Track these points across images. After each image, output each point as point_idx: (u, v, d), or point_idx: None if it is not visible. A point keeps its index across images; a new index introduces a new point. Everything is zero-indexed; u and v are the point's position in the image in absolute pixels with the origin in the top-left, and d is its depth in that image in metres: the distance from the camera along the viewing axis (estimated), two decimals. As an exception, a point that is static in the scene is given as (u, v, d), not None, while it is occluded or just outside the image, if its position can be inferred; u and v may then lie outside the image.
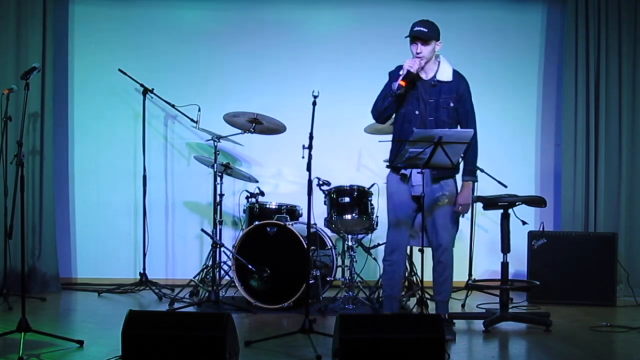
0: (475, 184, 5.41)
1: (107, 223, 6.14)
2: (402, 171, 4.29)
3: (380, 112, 4.29)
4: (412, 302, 5.07)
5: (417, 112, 4.24)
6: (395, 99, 4.21)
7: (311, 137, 4.08)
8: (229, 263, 5.37)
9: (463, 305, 5.28)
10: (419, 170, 4.12)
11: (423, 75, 4.26)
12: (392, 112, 4.30)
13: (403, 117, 4.28)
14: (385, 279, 4.43)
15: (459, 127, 4.27)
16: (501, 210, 4.58)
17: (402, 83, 4.10)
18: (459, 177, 4.37)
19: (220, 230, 5.35)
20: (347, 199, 5.08)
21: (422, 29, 4.20)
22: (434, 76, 4.26)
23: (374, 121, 4.49)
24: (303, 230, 4.83)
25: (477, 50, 6.11)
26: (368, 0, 6.11)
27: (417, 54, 4.19)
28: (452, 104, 4.25)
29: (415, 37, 4.19)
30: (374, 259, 5.47)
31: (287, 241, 4.97)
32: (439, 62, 4.29)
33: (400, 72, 4.15)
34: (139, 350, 3.34)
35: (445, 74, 4.27)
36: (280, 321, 4.72)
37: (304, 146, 4.09)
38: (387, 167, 4.42)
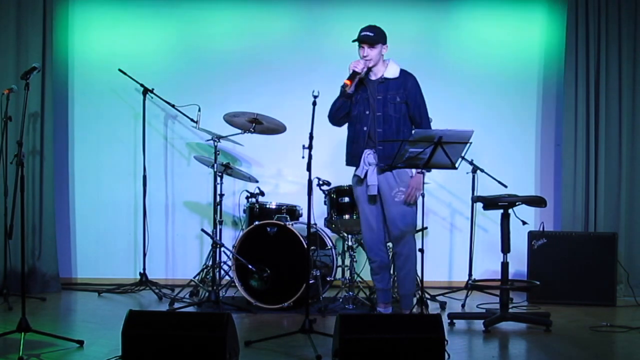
0: (476, 182, 5.48)
1: (107, 223, 6.14)
2: (356, 173, 4.57)
3: (332, 113, 4.58)
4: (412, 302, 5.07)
5: (367, 112, 4.51)
6: (345, 99, 4.50)
7: (311, 137, 4.08)
8: (229, 263, 5.37)
9: (463, 305, 5.28)
10: (373, 168, 4.44)
11: (372, 77, 4.53)
12: (343, 112, 4.57)
13: (356, 119, 4.55)
14: (374, 277, 4.70)
15: (408, 121, 4.52)
16: (501, 210, 4.58)
17: (347, 82, 4.40)
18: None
19: (220, 230, 5.35)
20: (347, 199, 5.08)
21: (368, 33, 4.48)
22: (382, 75, 4.51)
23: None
24: (303, 230, 4.83)
25: (477, 50, 6.11)
26: (368, 1, 6.11)
27: (364, 56, 4.47)
28: (398, 99, 4.49)
29: (362, 41, 4.48)
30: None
31: (287, 241, 4.97)
32: (387, 64, 4.54)
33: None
34: (139, 350, 3.35)
35: (392, 72, 4.53)
36: (280, 321, 4.72)
37: (304, 146, 4.09)
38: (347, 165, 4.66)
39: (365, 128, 4.49)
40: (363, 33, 4.48)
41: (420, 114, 4.54)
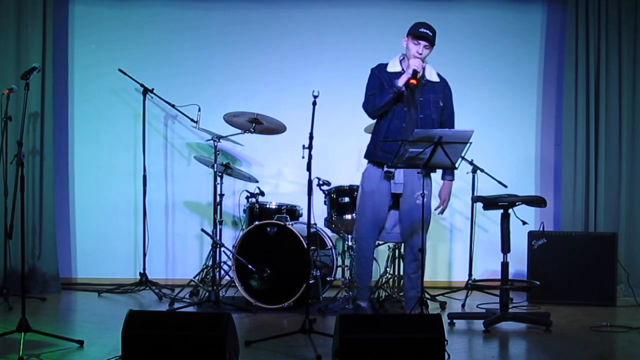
0: (476, 182, 5.49)
1: (107, 223, 6.14)
2: (387, 168, 4.48)
3: (379, 107, 4.46)
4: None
5: (405, 109, 4.45)
6: (396, 97, 4.38)
7: (311, 137, 4.08)
8: (229, 263, 5.37)
9: (463, 305, 5.28)
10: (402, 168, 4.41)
11: None
12: (388, 108, 4.46)
13: (392, 114, 4.46)
14: (363, 271, 4.69)
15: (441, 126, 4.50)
16: (501, 210, 4.58)
17: (414, 82, 4.32)
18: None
19: (220, 230, 5.34)
20: (347, 199, 5.08)
21: (428, 31, 4.41)
22: (423, 76, 4.46)
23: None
24: (303, 230, 4.83)
25: (477, 50, 6.12)
26: (368, 0, 6.11)
27: (420, 54, 4.40)
28: (441, 103, 4.50)
29: (422, 38, 4.38)
30: (374, 258, 5.47)
31: (287, 241, 4.97)
32: (425, 65, 4.52)
33: (408, 71, 4.34)
34: (139, 350, 3.34)
35: (433, 75, 4.53)
36: (280, 321, 4.72)
37: (304, 146, 4.09)
38: (366, 159, 4.62)
39: (404, 125, 4.42)
40: (424, 30, 4.40)
41: (451, 121, 4.59)
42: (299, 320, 4.13)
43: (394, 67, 4.52)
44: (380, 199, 4.54)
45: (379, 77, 4.51)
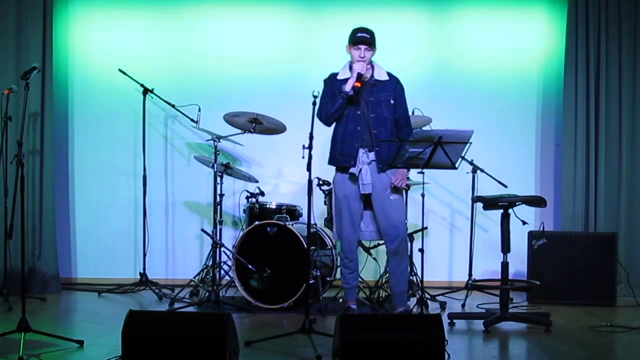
0: (476, 182, 5.49)
1: (107, 223, 6.14)
2: (351, 170, 4.58)
3: (331, 114, 4.58)
4: (412, 302, 5.07)
5: (359, 112, 4.56)
6: (346, 101, 4.51)
7: (311, 137, 4.08)
8: (229, 263, 5.37)
9: (463, 305, 5.28)
10: (367, 167, 4.52)
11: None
12: (340, 113, 4.57)
13: (346, 118, 4.58)
14: (349, 275, 4.73)
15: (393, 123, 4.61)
16: (501, 210, 4.58)
17: (358, 84, 4.45)
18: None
19: (220, 230, 5.35)
20: (347, 199, 5.07)
21: (365, 35, 4.56)
22: (372, 76, 4.58)
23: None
24: (303, 230, 4.83)
25: (477, 50, 6.11)
26: (368, 1, 6.11)
27: (362, 57, 4.53)
28: (392, 101, 4.58)
29: (361, 42, 4.53)
30: (374, 259, 5.47)
31: (287, 241, 4.97)
32: (372, 65, 4.62)
33: (352, 75, 4.47)
34: (139, 350, 3.35)
35: (382, 75, 4.63)
36: (280, 321, 4.72)
37: (304, 146, 4.10)
38: (330, 164, 4.71)
39: (358, 128, 4.54)
40: (360, 34, 4.55)
41: (405, 117, 4.69)
42: (299, 320, 4.13)
43: (343, 74, 4.63)
44: (353, 202, 4.63)
45: (331, 87, 4.63)
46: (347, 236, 4.67)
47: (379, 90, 4.59)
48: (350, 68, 4.58)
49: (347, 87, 4.48)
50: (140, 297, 5.55)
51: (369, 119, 4.54)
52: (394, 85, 4.63)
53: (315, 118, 4.19)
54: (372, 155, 4.56)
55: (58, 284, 5.81)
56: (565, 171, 5.85)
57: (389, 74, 4.65)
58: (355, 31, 4.59)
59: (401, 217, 4.68)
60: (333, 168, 5.25)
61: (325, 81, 4.70)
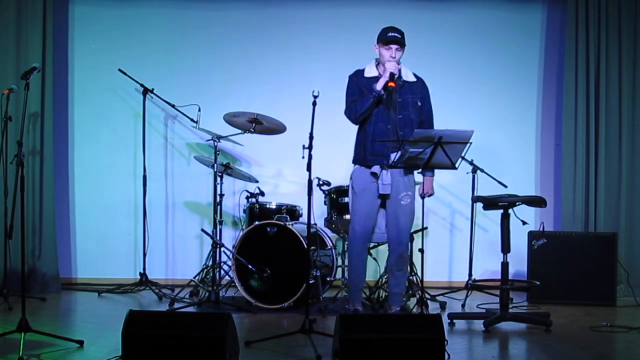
0: (476, 182, 5.49)
1: (107, 223, 6.14)
2: (373, 169, 4.54)
3: (362, 112, 4.54)
4: (412, 302, 5.07)
5: (386, 112, 4.51)
6: (377, 100, 4.47)
7: (311, 137, 4.08)
8: (229, 263, 5.37)
9: (463, 305, 5.28)
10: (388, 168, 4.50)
11: None
12: (370, 112, 4.53)
13: (376, 117, 4.53)
14: (357, 275, 4.72)
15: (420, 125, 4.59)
16: (501, 210, 4.58)
17: (392, 84, 4.40)
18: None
19: (220, 230, 5.35)
20: (347, 199, 5.06)
21: (397, 34, 4.52)
22: (399, 77, 4.54)
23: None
24: (303, 230, 4.83)
25: (477, 50, 6.12)
26: (368, 0, 6.11)
27: (393, 57, 4.49)
28: (419, 103, 4.57)
29: (392, 42, 4.49)
30: (374, 259, 5.47)
31: (287, 241, 4.97)
32: (400, 66, 4.58)
33: (385, 75, 4.42)
34: (139, 350, 3.35)
35: (409, 76, 4.61)
36: (280, 321, 4.72)
37: (304, 146, 4.09)
38: (354, 163, 4.68)
39: (389, 126, 4.51)
40: (392, 34, 4.51)
41: (430, 120, 4.66)
42: (299, 320, 4.13)
43: (370, 72, 4.60)
44: (369, 196, 4.59)
45: (358, 84, 4.60)
46: (360, 230, 4.62)
47: (407, 92, 4.56)
48: (377, 66, 4.56)
49: (379, 86, 4.43)
50: (140, 297, 5.55)
51: (396, 119, 4.51)
52: (420, 87, 4.62)
53: (343, 116, 4.18)
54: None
55: (58, 284, 5.81)
56: (565, 171, 5.85)
57: (415, 75, 4.63)
58: (385, 30, 4.54)
59: (408, 223, 4.65)
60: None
61: (351, 77, 4.65)
